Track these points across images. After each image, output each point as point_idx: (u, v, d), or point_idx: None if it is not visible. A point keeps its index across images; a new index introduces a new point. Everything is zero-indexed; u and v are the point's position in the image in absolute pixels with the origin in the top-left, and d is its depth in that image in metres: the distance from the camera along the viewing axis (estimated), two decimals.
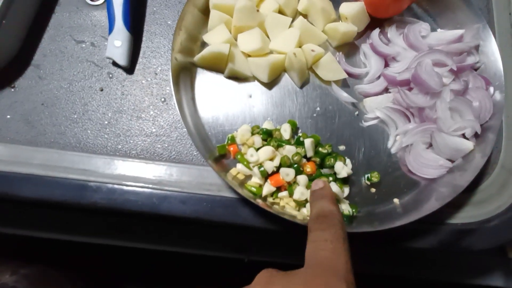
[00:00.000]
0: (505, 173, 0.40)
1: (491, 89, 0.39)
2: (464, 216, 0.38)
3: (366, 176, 0.39)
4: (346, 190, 0.38)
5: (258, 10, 0.41)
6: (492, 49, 0.39)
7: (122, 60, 0.41)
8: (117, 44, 0.40)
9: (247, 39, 0.40)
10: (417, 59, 0.39)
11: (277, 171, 0.37)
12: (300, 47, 0.42)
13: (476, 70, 0.41)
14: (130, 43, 0.41)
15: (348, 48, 0.44)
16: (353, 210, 0.36)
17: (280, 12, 0.44)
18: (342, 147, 0.40)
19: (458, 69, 0.39)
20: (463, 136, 0.38)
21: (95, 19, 0.44)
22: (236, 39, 0.41)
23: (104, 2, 0.44)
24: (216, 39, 0.40)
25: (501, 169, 0.41)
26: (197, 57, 0.40)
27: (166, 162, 0.39)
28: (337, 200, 0.35)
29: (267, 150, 0.36)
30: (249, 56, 0.41)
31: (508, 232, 0.38)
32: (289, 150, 0.37)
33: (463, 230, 0.38)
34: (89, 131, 0.40)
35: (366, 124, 0.41)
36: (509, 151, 0.41)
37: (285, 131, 0.38)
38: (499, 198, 0.39)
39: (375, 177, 0.38)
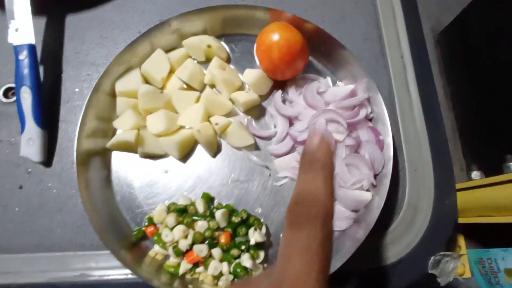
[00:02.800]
0: (411, 210, 0.43)
1: (381, 138, 0.42)
2: (377, 260, 0.41)
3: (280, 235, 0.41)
4: (262, 255, 0.39)
5: (162, 91, 0.44)
6: (379, 101, 0.42)
7: (36, 156, 0.42)
8: (30, 142, 0.42)
9: (154, 121, 0.43)
10: (313, 119, 0.42)
11: (191, 248, 0.38)
12: (209, 117, 0.45)
13: (370, 120, 0.45)
14: (43, 138, 0.43)
15: (257, 111, 0.47)
16: None
17: (189, 86, 0.46)
18: (258, 210, 0.42)
19: (351, 124, 0.42)
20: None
21: (11, 116, 0.46)
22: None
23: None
24: (124, 125, 0.43)
25: (407, 206, 0.44)
26: (108, 144, 0.42)
27: (91, 250, 0.41)
28: (246, 269, 0.37)
29: (180, 229, 0.38)
30: (158, 136, 0.43)
31: (419, 269, 0.40)
32: (201, 225, 0.39)
33: (378, 272, 0.40)
34: (10, 231, 0.41)
35: (278, 183, 0.44)
36: (412, 189, 0.44)
37: (199, 205, 0.40)
38: (408, 236, 0.42)
39: None
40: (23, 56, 0.43)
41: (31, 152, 0.42)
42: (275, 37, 0.41)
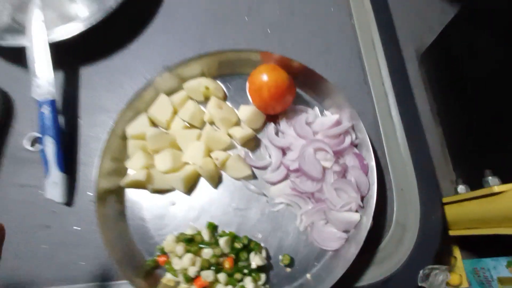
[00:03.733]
0: (400, 228, 0.47)
1: (365, 162, 0.46)
2: (369, 277, 0.44)
3: (279, 259, 0.45)
4: (263, 277, 0.43)
5: (167, 132, 0.49)
6: (362, 128, 0.47)
7: (60, 198, 0.48)
8: (54, 185, 0.48)
9: (161, 160, 0.48)
10: (302, 150, 0.47)
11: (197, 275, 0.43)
12: (210, 152, 0.50)
13: (356, 146, 0.49)
14: (65, 181, 0.49)
15: (253, 143, 0.52)
16: None
17: (191, 125, 0.52)
18: (258, 235, 0.47)
19: (338, 152, 0.46)
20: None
21: (36, 162, 0.51)
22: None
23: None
24: (135, 165, 0.48)
25: (396, 225, 0.47)
26: (122, 183, 0.48)
27: (111, 281, 0.45)
28: None
29: (188, 257, 0.43)
30: (165, 173, 0.48)
31: (410, 283, 0.44)
32: (207, 253, 0.43)
33: None
34: (38, 267, 0.46)
35: (275, 209, 0.48)
36: (399, 208, 0.48)
37: (205, 234, 0.45)
38: (398, 252, 0.45)
39: (286, 259, 0.44)
40: (46, 110, 0.49)
41: (55, 195, 0.47)
42: (264, 78, 0.47)
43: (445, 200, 0.55)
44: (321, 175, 0.44)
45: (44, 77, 0.50)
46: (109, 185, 0.47)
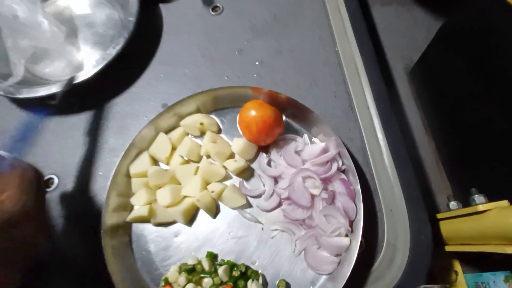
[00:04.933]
0: (391, 248, 0.48)
1: (351, 188, 0.48)
2: None
3: (276, 283, 0.47)
4: None
5: (167, 169, 0.53)
6: (347, 155, 0.49)
7: None
8: None
9: (162, 195, 0.52)
10: (292, 179, 0.49)
11: None
12: (207, 184, 0.53)
13: (343, 171, 0.51)
14: None
15: (247, 173, 0.55)
16: None
17: (189, 159, 0.56)
18: (255, 261, 0.49)
19: (325, 179, 0.49)
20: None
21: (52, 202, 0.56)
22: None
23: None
24: (138, 201, 0.52)
25: (387, 245, 0.49)
26: (128, 218, 0.52)
27: None
28: None
29: (190, 287, 0.46)
30: (167, 207, 0.52)
31: None
32: (207, 282, 0.46)
33: None
34: None
35: (271, 236, 0.51)
36: (390, 229, 0.49)
37: (205, 263, 0.48)
38: (391, 272, 0.47)
39: (282, 285, 0.46)
40: None
41: None
42: (252, 114, 0.50)
43: (439, 216, 0.57)
44: (309, 203, 0.47)
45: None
46: (115, 220, 0.51)
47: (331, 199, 0.48)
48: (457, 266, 0.60)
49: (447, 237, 0.54)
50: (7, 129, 0.61)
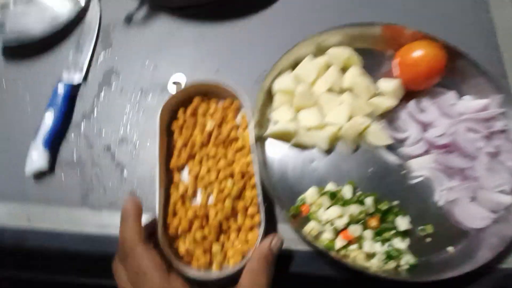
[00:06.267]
0: None
1: None
2: None
3: (420, 228, 0.45)
4: (407, 241, 0.44)
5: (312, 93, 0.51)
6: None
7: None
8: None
9: (307, 116, 0.49)
10: (453, 126, 0.47)
11: (344, 227, 0.43)
12: (350, 118, 0.51)
13: (504, 132, 0.48)
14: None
15: (390, 116, 0.52)
16: (415, 259, 0.42)
17: (330, 90, 0.53)
18: (395, 202, 0.47)
19: (488, 135, 0.46)
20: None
21: None
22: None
23: None
24: (282, 117, 0.50)
25: None
26: (268, 132, 0.49)
27: None
28: (399, 251, 0.42)
29: (336, 209, 0.43)
30: (309, 129, 0.50)
31: None
32: (355, 209, 0.44)
33: None
34: None
35: (413, 181, 0.48)
36: None
37: (348, 191, 0.46)
38: None
39: (429, 228, 0.44)
40: (60, 89, 0.52)
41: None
42: (423, 53, 0.48)
43: None
44: (474, 152, 0.44)
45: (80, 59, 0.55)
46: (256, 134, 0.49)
47: (495, 156, 0.45)
48: None
49: None
50: None
